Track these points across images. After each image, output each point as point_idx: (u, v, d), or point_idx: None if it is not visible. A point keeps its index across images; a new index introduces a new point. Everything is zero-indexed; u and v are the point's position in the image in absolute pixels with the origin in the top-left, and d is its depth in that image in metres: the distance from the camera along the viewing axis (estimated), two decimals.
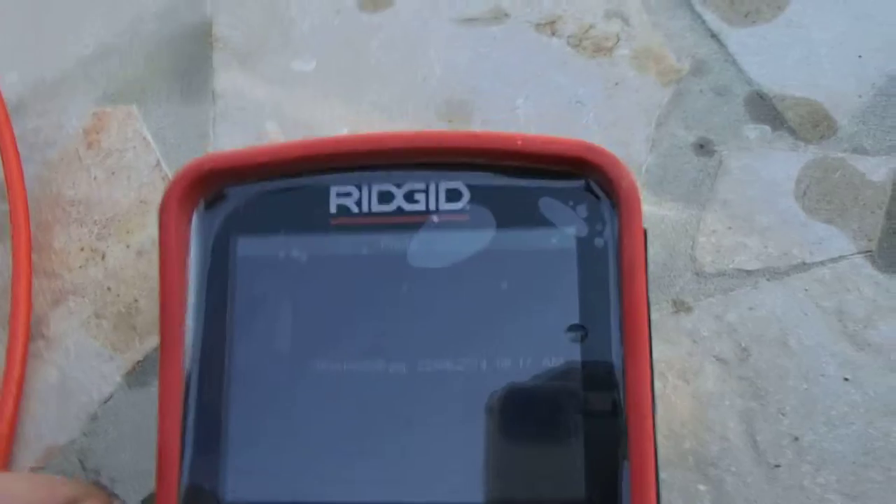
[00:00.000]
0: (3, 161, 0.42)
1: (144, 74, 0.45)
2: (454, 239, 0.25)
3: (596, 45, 0.42)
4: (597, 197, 0.25)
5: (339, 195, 0.26)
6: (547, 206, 0.25)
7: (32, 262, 0.40)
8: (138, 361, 0.39)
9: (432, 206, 0.25)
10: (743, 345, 0.36)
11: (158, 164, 0.42)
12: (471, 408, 0.24)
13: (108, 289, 0.40)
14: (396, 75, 0.43)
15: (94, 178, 0.42)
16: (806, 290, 0.36)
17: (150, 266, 0.40)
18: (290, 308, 0.25)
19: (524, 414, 0.24)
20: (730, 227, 0.38)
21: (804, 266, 0.37)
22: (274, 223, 0.26)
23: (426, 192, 0.25)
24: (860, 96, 0.39)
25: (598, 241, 0.24)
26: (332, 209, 0.26)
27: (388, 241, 0.25)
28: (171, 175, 0.42)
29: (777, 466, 0.34)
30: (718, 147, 0.39)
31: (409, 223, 0.25)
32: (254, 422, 0.25)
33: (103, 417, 0.38)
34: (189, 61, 0.45)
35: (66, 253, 0.41)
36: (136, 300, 0.40)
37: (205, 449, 0.24)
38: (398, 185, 0.26)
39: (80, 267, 0.41)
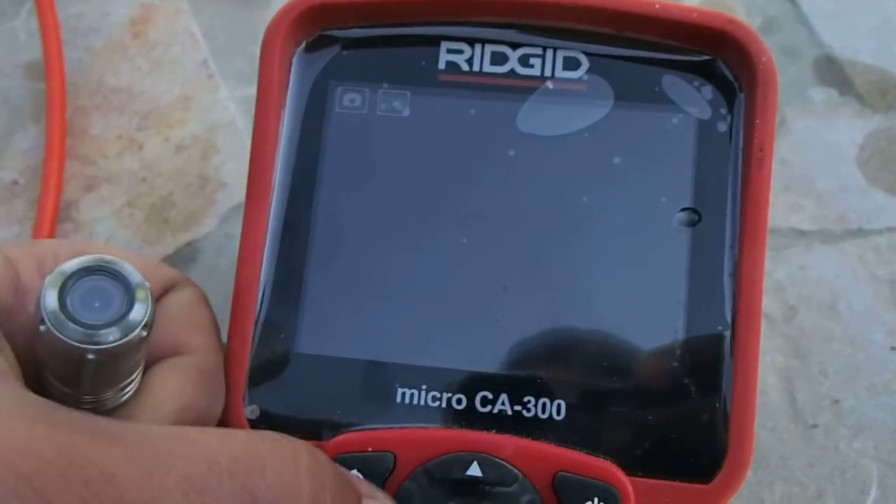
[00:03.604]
0: (43, 41, 0.40)
1: None
2: (568, 108, 0.24)
3: None
4: (725, 79, 0.24)
5: (449, 51, 0.24)
6: (670, 83, 0.24)
7: (68, 146, 0.39)
8: (168, 255, 0.38)
9: (548, 73, 0.24)
10: (790, 303, 0.35)
11: (205, 62, 0.41)
12: (566, 284, 0.23)
13: (144, 180, 0.39)
14: None
15: (138, 69, 0.41)
16: (860, 256, 0.36)
17: (189, 162, 0.39)
18: (386, 164, 0.24)
19: (625, 297, 0.23)
20: (787, 186, 0.37)
21: (860, 232, 0.36)
22: (377, 73, 0.24)
23: (542, 57, 0.24)
24: None
25: (721, 126, 0.23)
26: (441, 65, 0.24)
27: (497, 104, 0.24)
28: (218, 74, 0.41)
29: (814, 427, 0.33)
30: (782, 107, 0.38)
31: (521, 87, 0.24)
32: (333, 277, 0.23)
33: None
34: None
35: (103, 140, 0.40)
36: (171, 193, 0.39)
37: (281, 299, 0.23)
38: (513, 47, 0.24)
39: (117, 155, 0.39)
